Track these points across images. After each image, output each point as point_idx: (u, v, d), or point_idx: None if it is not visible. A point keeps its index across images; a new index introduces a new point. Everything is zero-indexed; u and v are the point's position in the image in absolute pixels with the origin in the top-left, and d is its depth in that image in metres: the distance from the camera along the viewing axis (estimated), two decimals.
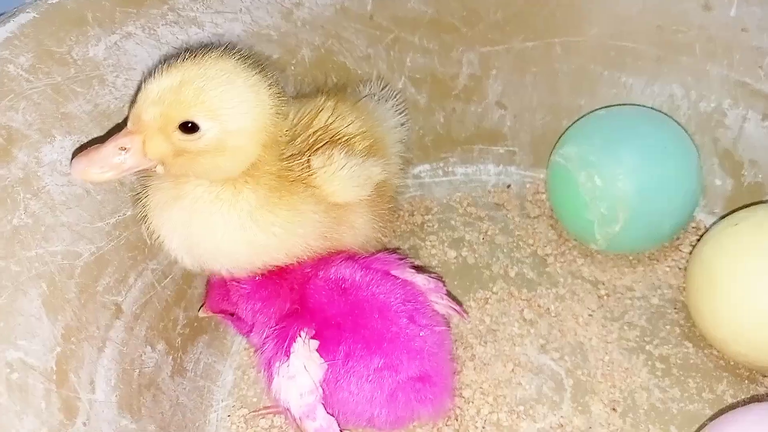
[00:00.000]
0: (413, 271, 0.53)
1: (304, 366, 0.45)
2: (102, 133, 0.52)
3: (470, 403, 0.56)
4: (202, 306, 0.56)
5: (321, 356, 0.46)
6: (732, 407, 0.55)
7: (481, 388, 0.57)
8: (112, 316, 0.50)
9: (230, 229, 0.46)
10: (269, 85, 0.46)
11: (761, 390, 0.57)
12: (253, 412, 0.56)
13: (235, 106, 0.44)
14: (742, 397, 0.56)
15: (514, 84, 0.70)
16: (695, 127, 0.66)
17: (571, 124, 0.67)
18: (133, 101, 0.46)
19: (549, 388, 0.57)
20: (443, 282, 0.57)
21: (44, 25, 0.49)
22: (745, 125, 0.64)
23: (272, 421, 0.55)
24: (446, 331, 0.52)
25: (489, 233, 0.69)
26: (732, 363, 0.58)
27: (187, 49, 0.47)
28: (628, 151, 0.61)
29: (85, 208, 0.50)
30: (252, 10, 0.62)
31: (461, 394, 0.57)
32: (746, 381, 0.57)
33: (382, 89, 0.65)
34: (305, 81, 0.66)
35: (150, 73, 0.45)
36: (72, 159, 0.44)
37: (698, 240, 0.66)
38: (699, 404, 0.56)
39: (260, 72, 0.46)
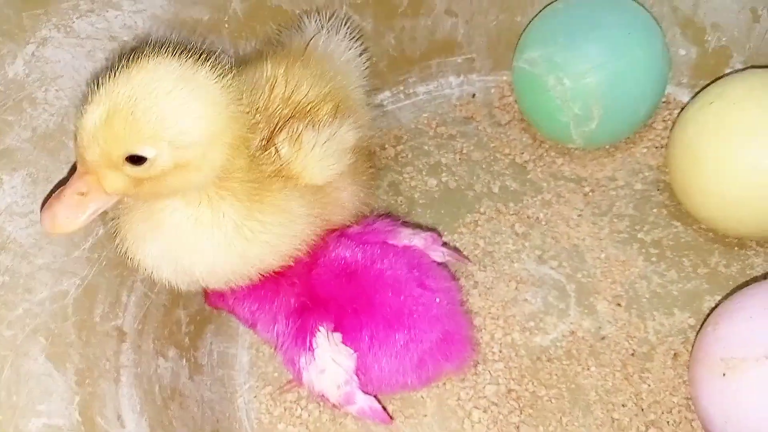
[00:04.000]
0: (408, 232, 0.52)
1: (332, 359, 0.46)
2: (49, 157, 0.48)
3: (483, 330, 0.58)
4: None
5: (347, 345, 0.46)
6: (727, 277, 0.58)
7: (490, 312, 0.59)
8: (117, 342, 0.49)
9: (220, 249, 0.43)
10: (217, 78, 0.40)
11: (750, 254, 0.59)
12: (278, 389, 0.56)
13: (178, 121, 0.39)
14: (735, 265, 0.59)
15: None
16: None
17: (529, 22, 0.64)
18: (75, 122, 0.41)
19: (554, 297, 0.59)
20: (439, 234, 0.56)
21: None
22: None
23: (298, 393, 0.56)
24: (455, 284, 0.52)
25: (464, 151, 0.68)
26: (720, 233, 0.60)
27: (113, 58, 0.42)
28: (593, 45, 0.59)
29: (57, 243, 0.47)
30: None
31: (473, 323, 0.58)
32: (736, 248, 0.60)
33: (329, 20, 0.61)
34: (243, 36, 0.61)
35: (81, 102, 0.41)
36: (41, 214, 0.41)
37: (669, 114, 0.66)
38: (696, 281, 0.58)
39: (201, 63, 0.40)
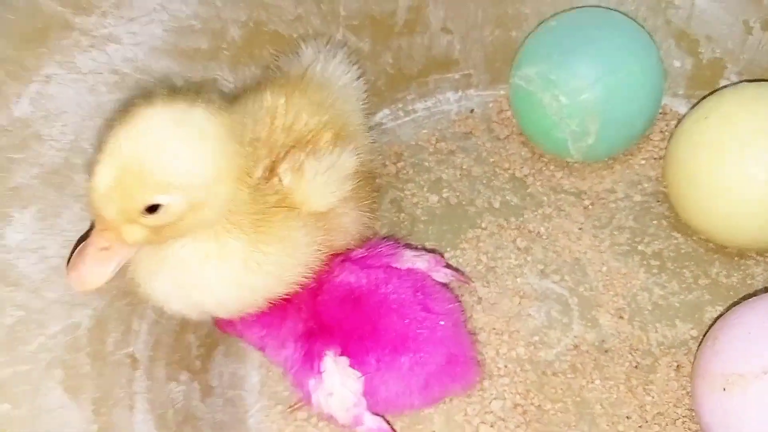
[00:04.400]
0: (411, 255, 0.53)
1: (340, 383, 0.47)
2: (57, 192, 0.49)
3: (488, 345, 0.59)
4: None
5: (355, 369, 0.47)
6: (728, 288, 0.59)
7: (494, 328, 0.59)
8: (130, 370, 0.50)
9: (227, 283, 0.45)
10: (212, 115, 0.41)
11: (751, 263, 0.60)
12: (289, 408, 0.57)
13: (186, 166, 0.40)
14: (736, 275, 0.59)
15: (455, 5, 0.67)
16: (646, 12, 0.65)
17: (525, 39, 0.65)
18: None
19: (557, 312, 0.60)
20: (441, 255, 0.57)
21: None
22: (696, 1, 0.63)
23: (309, 411, 0.57)
24: (458, 305, 0.53)
25: (465, 167, 0.68)
26: (720, 244, 0.60)
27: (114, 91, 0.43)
28: (587, 61, 0.59)
29: None
30: (166, 4, 0.57)
31: (477, 338, 0.59)
32: (736, 258, 0.60)
33: (326, 44, 0.62)
34: (242, 61, 0.62)
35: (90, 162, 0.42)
36: (67, 273, 0.42)
37: (666, 125, 0.67)
38: (698, 292, 0.59)
39: (195, 103, 0.42)
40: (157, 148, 0.39)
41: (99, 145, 0.40)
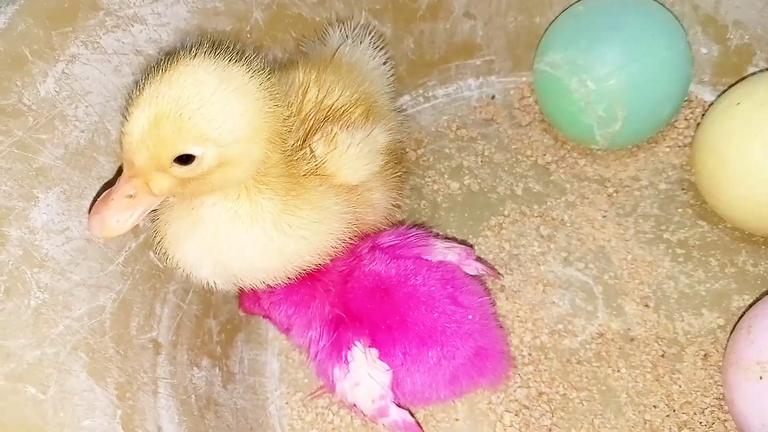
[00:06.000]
0: (442, 247, 0.52)
1: (368, 374, 0.46)
2: (81, 174, 0.48)
3: (512, 333, 0.58)
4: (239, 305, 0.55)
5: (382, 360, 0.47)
6: (755, 276, 0.58)
7: (518, 316, 0.59)
8: (153, 354, 0.50)
9: (258, 243, 0.44)
10: (252, 74, 0.42)
11: None
12: (309, 395, 0.57)
13: (223, 120, 0.40)
14: (763, 263, 0.59)
15: None
16: None
17: (549, 25, 0.64)
18: (120, 138, 0.42)
19: (581, 300, 0.59)
20: (472, 247, 0.56)
21: None
22: None
23: (329, 398, 0.57)
24: (487, 299, 0.52)
25: (486, 153, 0.68)
26: (747, 232, 0.60)
27: (148, 68, 0.43)
28: (616, 46, 0.59)
29: (92, 258, 0.48)
30: None
31: (500, 323, 0.58)
32: (763, 247, 0.60)
33: (353, 30, 0.61)
34: (265, 45, 0.61)
35: (125, 107, 0.41)
36: (89, 219, 0.41)
37: (691, 113, 0.66)
38: (724, 281, 0.58)
39: (237, 61, 0.42)
40: (198, 100, 0.39)
41: (134, 93, 0.40)
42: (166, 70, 0.40)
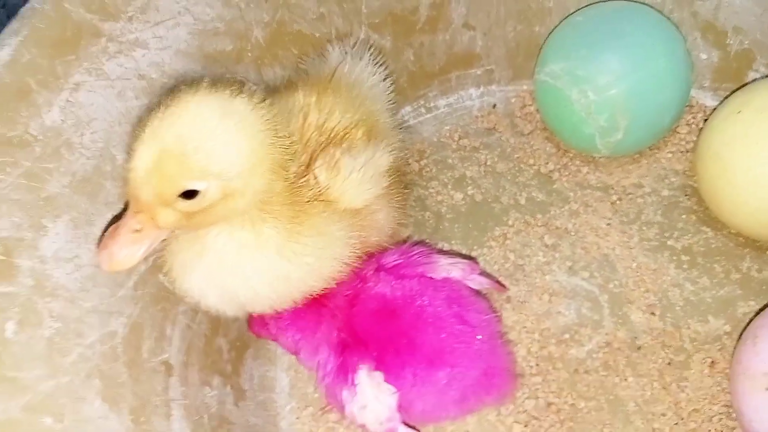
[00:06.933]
0: (446, 263, 0.52)
1: (375, 397, 0.46)
2: (89, 201, 0.49)
3: (519, 344, 0.59)
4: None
5: (390, 384, 0.47)
6: (760, 282, 0.58)
7: (524, 326, 0.59)
8: (165, 377, 0.50)
9: (262, 272, 0.45)
10: (254, 106, 0.42)
11: None
12: (320, 410, 0.57)
13: (226, 154, 0.41)
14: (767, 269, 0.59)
15: (477, 0, 0.66)
16: (671, 4, 0.64)
17: (549, 34, 0.64)
18: (124, 172, 0.43)
19: (587, 309, 0.60)
20: (476, 261, 0.57)
21: None
22: None
23: (340, 414, 0.57)
24: (494, 316, 0.53)
25: (488, 163, 0.68)
26: (751, 238, 0.60)
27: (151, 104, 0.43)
28: (615, 56, 0.59)
29: (102, 284, 0.48)
30: (190, 7, 0.56)
31: (508, 337, 0.59)
32: (767, 252, 0.60)
33: (352, 46, 0.61)
34: (266, 63, 0.62)
35: (130, 140, 0.42)
36: (98, 252, 0.43)
37: (693, 118, 0.66)
38: (729, 287, 0.59)
39: (237, 94, 0.42)
40: (199, 135, 0.39)
41: (138, 129, 0.41)
42: (168, 107, 0.40)
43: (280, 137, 0.44)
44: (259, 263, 0.45)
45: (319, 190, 0.47)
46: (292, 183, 0.46)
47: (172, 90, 0.43)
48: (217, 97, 0.42)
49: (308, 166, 0.48)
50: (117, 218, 0.45)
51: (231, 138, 0.41)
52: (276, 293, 0.46)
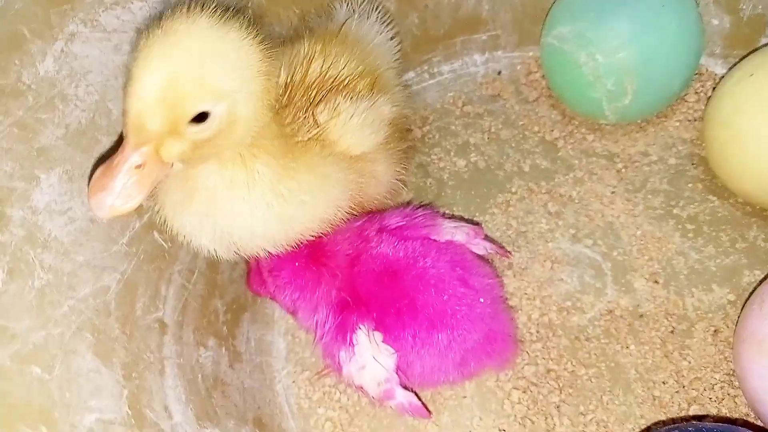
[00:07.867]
0: (450, 226, 0.51)
1: (373, 357, 0.46)
2: (83, 154, 0.48)
3: (519, 311, 0.58)
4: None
5: (389, 345, 0.46)
6: (766, 251, 0.57)
7: (525, 293, 0.58)
8: (159, 334, 0.50)
9: (257, 210, 0.43)
10: (246, 33, 0.40)
11: None
12: (316, 374, 0.57)
13: (238, 74, 0.39)
14: None
15: None
16: None
17: None
18: (123, 108, 0.40)
19: (590, 276, 0.59)
20: (479, 225, 0.56)
21: None
22: None
23: (336, 377, 0.56)
24: (497, 280, 0.52)
25: (492, 130, 0.67)
26: (758, 207, 0.59)
27: (148, 27, 0.41)
28: (625, 19, 0.57)
29: (96, 238, 0.47)
30: None
31: (509, 304, 0.58)
32: None
33: (360, 5, 0.60)
34: (266, 20, 0.60)
35: (129, 71, 0.39)
36: (89, 197, 0.39)
37: (702, 86, 0.64)
38: (735, 256, 0.58)
39: (239, 23, 0.41)
40: (212, 55, 0.38)
41: (132, 57, 0.38)
42: (167, 32, 0.38)
43: (270, 60, 0.42)
44: (253, 201, 0.43)
45: (317, 131, 0.46)
46: (278, 113, 0.44)
47: (159, 18, 0.41)
48: (215, 22, 0.40)
49: (307, 109, 0.46)
50: (106, 158, 0.42)
51: (239, 58, 0.39)
52: (270, 232, 0.44)
